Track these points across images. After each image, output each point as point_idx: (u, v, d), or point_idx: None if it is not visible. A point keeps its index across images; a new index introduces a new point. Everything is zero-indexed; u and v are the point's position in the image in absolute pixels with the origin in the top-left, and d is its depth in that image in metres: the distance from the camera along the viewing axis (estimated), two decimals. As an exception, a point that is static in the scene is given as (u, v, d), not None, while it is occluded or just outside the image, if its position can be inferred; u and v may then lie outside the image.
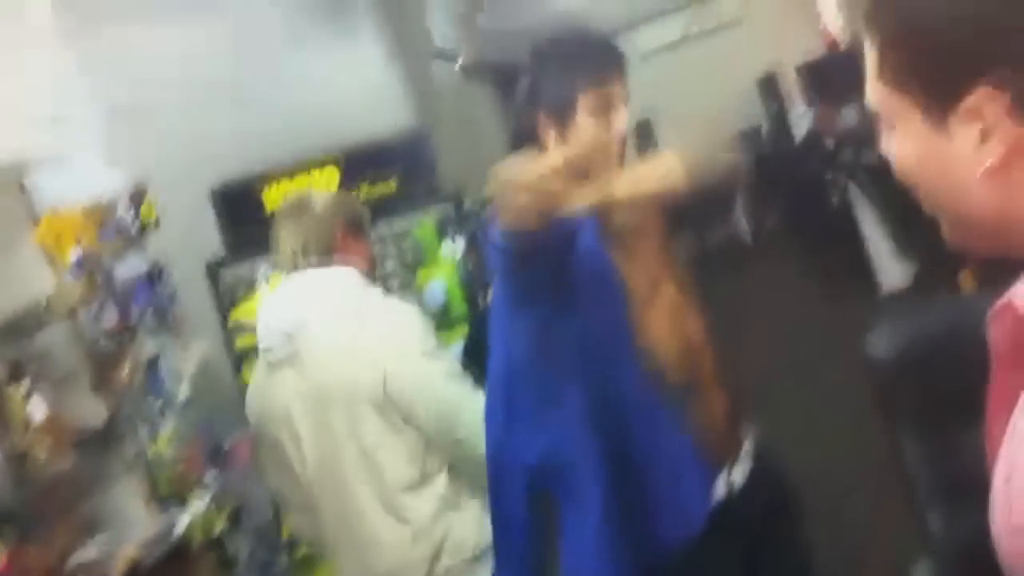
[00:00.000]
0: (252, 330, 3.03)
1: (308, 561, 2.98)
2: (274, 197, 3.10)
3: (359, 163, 3.17)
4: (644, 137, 6.44)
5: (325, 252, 2.05)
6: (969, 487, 1.85)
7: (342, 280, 2.04)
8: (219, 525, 2.57)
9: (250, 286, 3.06)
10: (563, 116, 1.80)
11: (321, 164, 3.14)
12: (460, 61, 8.01)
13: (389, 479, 1.99)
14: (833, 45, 9.56)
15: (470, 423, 1.92)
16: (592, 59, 1.82)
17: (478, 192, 4.00)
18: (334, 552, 2.10)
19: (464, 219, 3.41)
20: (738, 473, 1.91)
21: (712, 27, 10.60)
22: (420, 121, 5.30)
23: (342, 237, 2.08)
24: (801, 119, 9.17)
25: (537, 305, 1.67)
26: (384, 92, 6.21)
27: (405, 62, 6.68)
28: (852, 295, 6.19)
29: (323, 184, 3.14)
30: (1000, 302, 0.77)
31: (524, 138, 1.85)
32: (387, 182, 3.22)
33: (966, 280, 4.17)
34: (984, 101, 0.73)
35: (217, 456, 2.73)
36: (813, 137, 7.88)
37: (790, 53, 9.48)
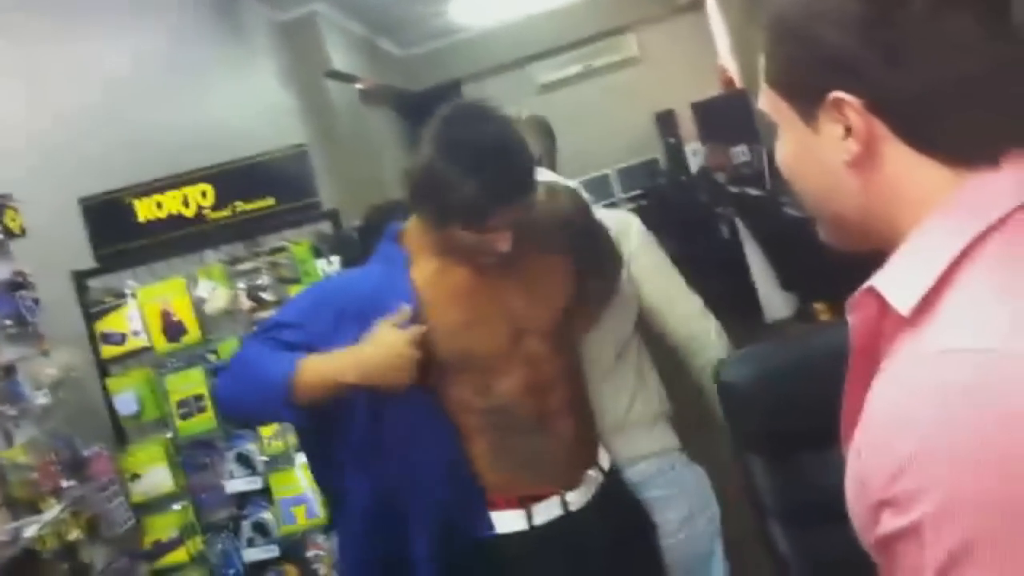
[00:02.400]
0: (120, 339, 3.07)
1: (168, 568, 2.98)
2: (145, 210, 3.12)
3: (234, 179, 3.20)
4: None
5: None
6: (814, 507, 1.96)
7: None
8: (73, 533, 2.56)
9: (118, 297, 3.06)
10: (438, 224, 1.79)
11: (193, 180, 3.15)
12: (360, 85, 8.04)
13: None
14: (729, 84, 9.83)
15: None
16: (487, 196, 1.69)
17: (361, 211, 4.05)
18: None
19: (342, 239, 3.45)
20: (576, 496, 1.97)
21: (612, 63, 10.80)
22: (312, 140, 5.33)
23: None
24: (695, 155, 9.43)
25: None
26: (276, 111, 6.24)
27: (299, 82, 6.70)
28: (737, 323, 6.36)
29: (196, 198, 3.16)
30: (861, 289, 0.83)
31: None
32: (264, 199, 3.24)
33: (822, 311, 4.34)
34: (841, 102, 0.80)
35: (75, 465, 2.71)
36: (704, 172, 8.11)
37: (688, 91, 9.73)
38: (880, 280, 0.81)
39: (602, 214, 2.40)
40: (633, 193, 10.30)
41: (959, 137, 0.79)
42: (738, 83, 9.55)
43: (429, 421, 1.85)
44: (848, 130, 0.81)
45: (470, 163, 1.68)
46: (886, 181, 0.82)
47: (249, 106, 5.84)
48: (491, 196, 1.69)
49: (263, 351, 1.81)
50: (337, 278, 2.01)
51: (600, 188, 10.37)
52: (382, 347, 1.72)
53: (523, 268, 1.90)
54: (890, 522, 0.72)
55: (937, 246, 0.77)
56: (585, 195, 2.37)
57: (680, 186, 9.03)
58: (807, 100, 0.84)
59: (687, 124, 10.06)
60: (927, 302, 0.76)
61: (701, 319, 2.35)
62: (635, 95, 10.42)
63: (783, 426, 2.16)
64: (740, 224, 6.74)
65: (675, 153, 10.24)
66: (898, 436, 0.72)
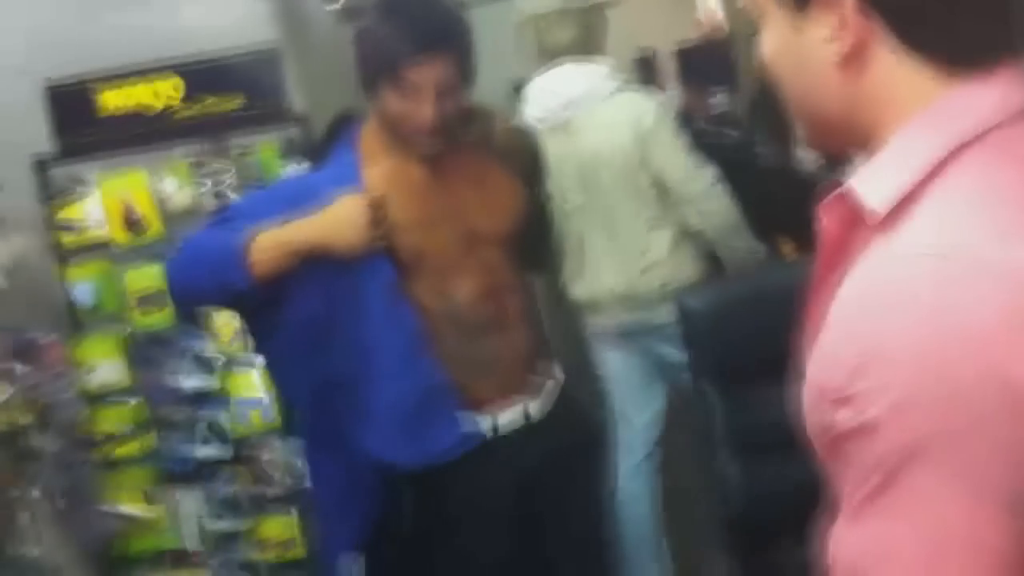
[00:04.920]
0: (80, 229, 3.02)
1: (118, 461, 2.97)
2: (110, 101, 3.05)
3: (204, 75, 3.13)
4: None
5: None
6: (765, 440, 1.97)
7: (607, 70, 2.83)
8: (22, 418, 2.55)
9: (80, 186, 3.02)
10: (370, 87, 1.82)
11: (163, 72, 3.09)
12: (340, 3, 7.89)
13: None
14: (713, 31, 9.74)
15: None
16: (401, 39, 1.74)
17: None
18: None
19: (311, 144, 3.41)
20: (535, 407, 1.99)
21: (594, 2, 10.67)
22: (287, 48, 5.23)
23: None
24: (672, 99, 9.38)
25: None
26: (251, 18, 6.10)
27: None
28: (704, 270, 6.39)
29: (166, 91, 3.09)
30: (836, 191, 0.81)
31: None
32: (234, 97, 3.19)
33: (785, 247, 4.34)
34: None
35: (28, 352, 2.69)
36: (681, 116, 8.08)
37: (668, 35, 9.63)
38: (856, 183, 0.79)
39: (627, 94, 2.74)
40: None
41: (954, 41, 0.77)
42: (720, 32, 9.48)
43: (389, 300, 1.84)
44: (840, 26, 0.78)
45: (387, 12, 1.78)
46: (873, 82, 0.79)
47: (223, 12, 5.72)
48: (402, 41, 1.73)
49: (216, 232, 1.81)
50: (293, 178, 2.08)
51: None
52: (335, 209, 1.77)
53: (477, 175, 1.92)
54: (846, 420, 0.71)
55: (917, 152, 0.76)
56: (611, 82, 2.73)
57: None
58: None
59: (667, 67, 9.97)
60: (902, 207, 0.75)
61: (707, 178, 2.75)
62: (615, 35, 10.29)
63: (740, 356, 2.17)
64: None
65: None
66: (861, 334, 0.71)
